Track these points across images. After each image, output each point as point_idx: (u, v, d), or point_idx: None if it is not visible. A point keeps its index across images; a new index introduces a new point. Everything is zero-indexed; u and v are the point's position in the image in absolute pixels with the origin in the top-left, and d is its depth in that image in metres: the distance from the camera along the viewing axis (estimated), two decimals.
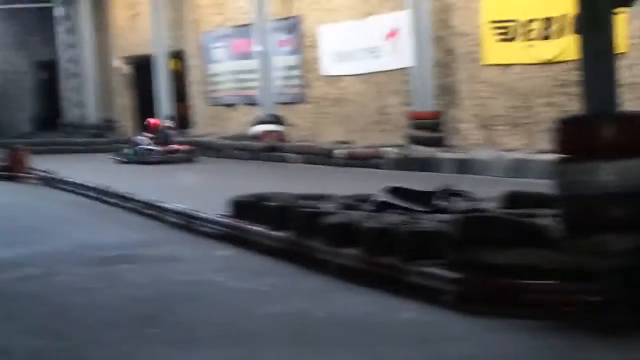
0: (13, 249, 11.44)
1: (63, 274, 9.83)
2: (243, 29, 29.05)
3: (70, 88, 37.15)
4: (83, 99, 36.74)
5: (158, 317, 7.60)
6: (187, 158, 26.06)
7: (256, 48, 27.68)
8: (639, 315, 6.63)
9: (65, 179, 19.58)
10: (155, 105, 32.10)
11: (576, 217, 7.23)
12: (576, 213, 7.22)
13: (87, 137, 34.60)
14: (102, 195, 16.70)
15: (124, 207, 15.37)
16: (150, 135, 26.82)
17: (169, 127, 27.72)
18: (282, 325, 7.24)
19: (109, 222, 14.18)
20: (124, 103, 36.43)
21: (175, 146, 26.62)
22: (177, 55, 33.46)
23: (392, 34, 23.35)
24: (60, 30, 37.07)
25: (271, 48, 27.29)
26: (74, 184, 18.62)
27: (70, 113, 37.06)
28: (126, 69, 36.27)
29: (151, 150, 26.03)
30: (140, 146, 26.35)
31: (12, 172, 22.25)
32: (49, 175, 20.80)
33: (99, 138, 34.50)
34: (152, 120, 28.00)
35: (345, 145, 23.47)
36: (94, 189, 17.32)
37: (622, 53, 12.91)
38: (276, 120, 26.75)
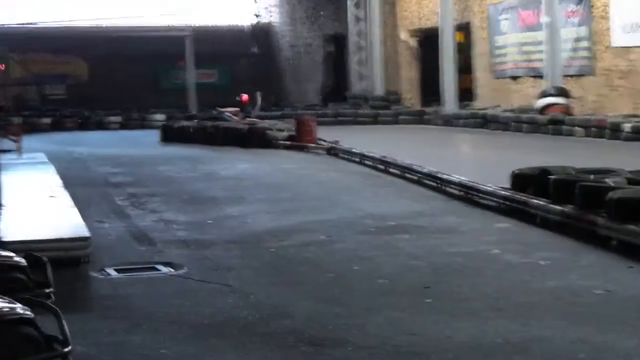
0: (300, 216, 11.83)
1: (345, 241, 10.08)
2: (530, 0, 28.55)
3: (357, 61, 37.84)
4: (369, 72, 37.31)
5: (433, 287, 7.67)
6: None
7: (544, 19, 27.10)
8: None
9: (349, 149, 20.00)
10: (440, 77, 32.13)
11: None
12: None
13: (373, 109, 35.10)
14: (383, 166, 17.00)
15: (404, 178, 15.61)
16: (235, 109, 27.49)
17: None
18: (558, 300, 7.12)
19: (390, 191, 14.40)
20: (409, 75, 36.72)
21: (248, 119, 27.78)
22: (462, 28, 33.36)
23: None
24: (350, 4, 37.79)
25: (559, 19, 26.62)
26: (357, 154, 19.02)
27: (357, 85, 37.76)
28: (412, 41, 36.52)
29: None
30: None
31: (300, 141, 22.97)
32: (334, 145, 21.31)
33: (384, 110, 34.93)
34: (243, 96, 29.11)
35: (634, 119, 22.59)
36: (375, 159, 17.66)
37: None
38: (561, 92, 26.13)
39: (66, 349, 5.34)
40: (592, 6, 26.04)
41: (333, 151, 21.03)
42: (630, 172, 10.73)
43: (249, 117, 28.06)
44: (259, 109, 30.04)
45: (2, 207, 10.87)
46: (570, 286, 7.55)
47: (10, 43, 44.25)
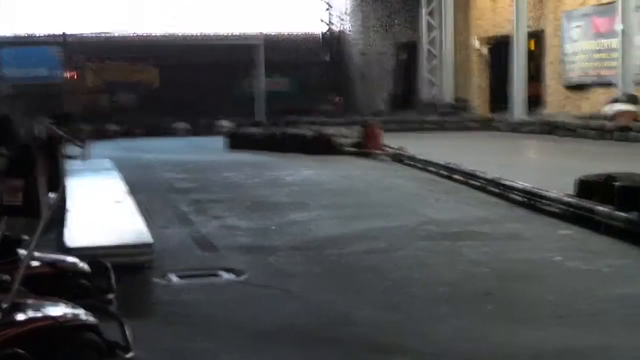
0: (363, 223, 11.80)
1: (407, 248, 10.04)
2: (605, 7, 28.24)
3: (428, 68, 37.70)
4: (439, 79, 37.16)
5: (495, 294, 7.62)
6: None
7: (617, 26, 26.78)
8: None
9: (413, 155, 19.95)
10: (509, 84, 31.92)
11: None
12: None
13: (440, 116, 34.95)
14: (447, 172, 16.94)
15: (467, 184, 15.54)
16: None
17: None
18: (621, 308, 7.04)
19: (453, 198, 14.33)
20: (479, 83, 36.48)
21: None
22: (535, 36, 33.10)
23: None
24: (423, 12, 37.62)
25: (634, 27, 26.28)
26: (422, 161, 18.96)
27: (427, 93, 37.62)
28: (484, 49, 36.31)
29: None
30: None
31: (365, 148, 22.96)
32: (399, 152, 21.25)
33: (450, 117, 34.76)
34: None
35: None
36: (439, 165, 17.60)
37: None
38: (631, 99, 25.86)
39: (128, 355, 5.42)
40: None
41: (398, 158, 20.99)
42: None
43: None
44: None
45: (67, 212, 11.00)
46: (635, 294, 7.45)
47: (86, 52, 45.08)
